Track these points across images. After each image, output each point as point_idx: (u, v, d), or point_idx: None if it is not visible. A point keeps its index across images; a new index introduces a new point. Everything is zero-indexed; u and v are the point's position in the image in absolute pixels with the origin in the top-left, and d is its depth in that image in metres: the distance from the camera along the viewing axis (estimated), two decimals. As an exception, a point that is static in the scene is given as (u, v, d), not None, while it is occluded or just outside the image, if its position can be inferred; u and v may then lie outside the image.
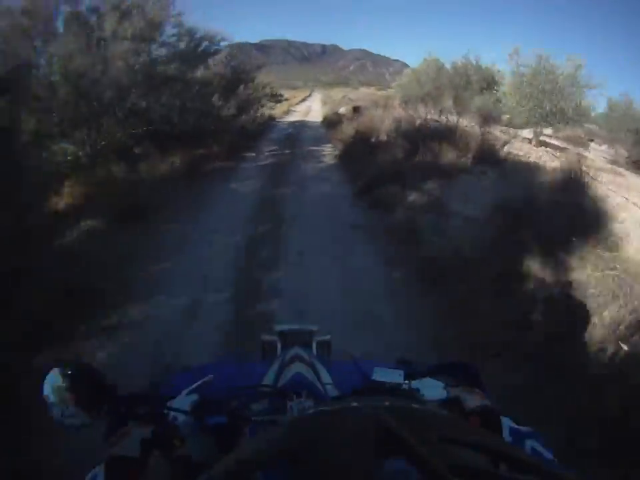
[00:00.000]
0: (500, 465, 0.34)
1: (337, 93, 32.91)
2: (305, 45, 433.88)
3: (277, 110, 18.12)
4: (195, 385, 0.79)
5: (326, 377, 0.94)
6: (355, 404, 0.37)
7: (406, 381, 0.68)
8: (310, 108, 24.81)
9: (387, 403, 0.38)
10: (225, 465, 0.34)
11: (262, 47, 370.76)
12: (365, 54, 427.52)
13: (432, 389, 0.68)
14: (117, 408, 0.70)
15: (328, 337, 1.57)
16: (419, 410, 0.40)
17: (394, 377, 0.69)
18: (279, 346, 1.50)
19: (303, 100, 34.68)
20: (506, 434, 0.59)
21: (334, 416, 0.36)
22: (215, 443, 0.70)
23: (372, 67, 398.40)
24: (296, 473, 0.29)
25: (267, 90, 16.46)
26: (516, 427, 0.62)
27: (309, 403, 0.68)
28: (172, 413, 0.68)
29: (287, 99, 25.27)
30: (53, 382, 0.63)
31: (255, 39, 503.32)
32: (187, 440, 0.67)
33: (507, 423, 0.62)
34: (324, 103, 24.36)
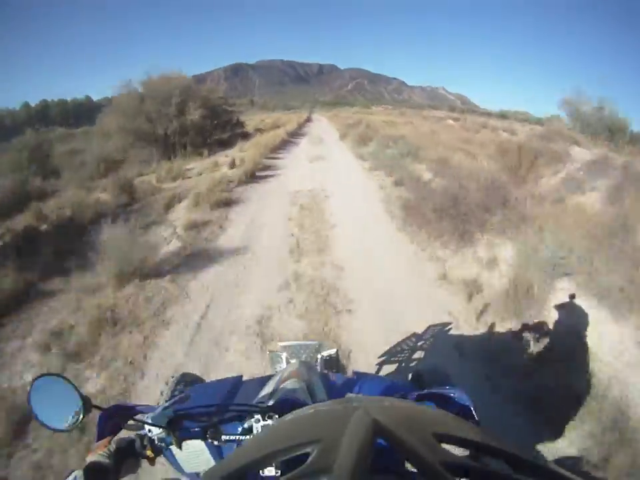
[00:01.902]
0: (497, 463, 0.34)
1: (352, 115, 31.36)
2: (302, 64, 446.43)
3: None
4: (171, 401, 0.85)
5: (320, 393, 0.94)
6: (354, 404, 0.38)
7: None
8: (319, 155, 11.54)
9: (386, 403, 0.40)
10: (226, 462, 0.35)
11: (259, 68, 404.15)
12: (362, 73, 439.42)
13: None
14: (104, 419, 0.80)
15: (334, 350, 1.60)
16: (416, 409, 0.42)
17: None
18: (284, 359, 1.56)
19: (299, 127, 23.18)
20: None
21: (333, 415, 0.38)
22: (186, 456, 0.79)
23: (370, 85, 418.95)
24: (296, 470, 0.29)
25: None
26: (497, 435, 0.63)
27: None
28: (147, 426, 0.75)
29: (260, 130, 18.77)
30: (38, 388, 0.72)
31: (252, 59, 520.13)
32: (161, 452, 0.77)
33: None
34: (343, 135, 15.52)
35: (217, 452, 0.84)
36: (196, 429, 0.79)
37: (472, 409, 0.79)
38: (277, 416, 0.74)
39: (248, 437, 0.76)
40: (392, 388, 1.00)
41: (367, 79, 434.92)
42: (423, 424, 0.36)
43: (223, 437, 0.78)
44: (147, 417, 0.77)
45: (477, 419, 0.78)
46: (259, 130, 19.20)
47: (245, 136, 14.94)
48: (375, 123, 19.10)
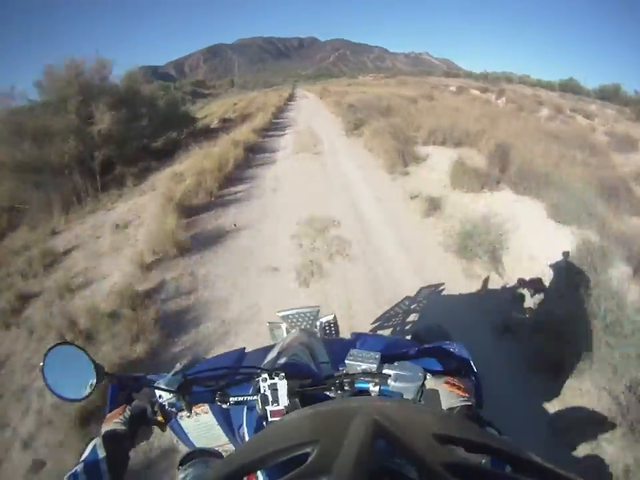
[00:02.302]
0: (497, 463, 0.34)
1: (346, 88, 25.04)
2: (282, 40, 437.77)
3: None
4: (180, 367, 0.86)
5: (322, 356, 0.99)
6: (354, 404, 0.39)
7: (381, 365, 0.73)
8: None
9: (386, 403, 0.41)
10: (227, 462, 0.35)
11: (238, 47, 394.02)
12: (344, 43, 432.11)
13: (406, 376, 0.70)
14: (116, 388, 0.83)
15: (332, 316, 1.64)
16: (416, 409, 0.42)
17: (368, 360, 0.74)
18: (283, 329, 1.60)
19: (280, 111, 16.63)
20: None
21: (333, 415, 0.38)
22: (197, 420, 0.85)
23: (352, 55, 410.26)
24: (296, 470, 0.29)
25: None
26: (497, 435, 0.59)
27: (282, 382, 0.72)
28: (158, 392, 0.77)
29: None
30: (51, 359, 0.73)
31: (231, 40, 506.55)
32: (171, 418, 0.80)
33: (489, 431, 0.60)
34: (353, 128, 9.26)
35: (227, 425, 0.91)
36: (204, 393, 0.80)
37: (471, 362, 0.80)
38: (283, 374, 0.73)
39: (255, 397, 0.76)
40: (393, 345, 1.02)
41: (349, 49, 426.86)
42: (423, 424, 0.36)
43: (231, 399, 0.78)
44: (158, 383, 0.78)
45: (475, 371, 0.79)
46: (224, 122, 13.81)
47: (206, 134, 10.41)
48: (389, 101, 12.54)
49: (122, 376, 0.84)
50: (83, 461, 0.68)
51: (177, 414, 0.82)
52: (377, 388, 0.72)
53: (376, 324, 2.75)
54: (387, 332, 2.68)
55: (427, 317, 2.73)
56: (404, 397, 0.70)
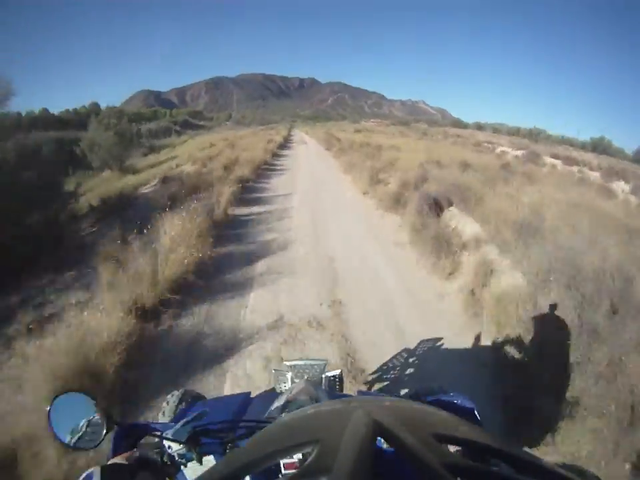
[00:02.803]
0: (496, 463, 0.34)
1: (353, 137, 19.34)
2: (283, 78, 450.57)
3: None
4: (190, 417, 0.84)
5: None
6: (354, 404, 0.38)
7: None
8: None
9: (386, 403, 0.40)
10: (227, 462, 0.35)
11: (239, 81, 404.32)
12: (343, 87, 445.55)
13: None
14: (120, 435, 0.81)
15: (338, 371, 1.65)
16: (416, 409, 0.41)
17: None
18: (289, 378, 1.59)
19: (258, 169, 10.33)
20: None
21: (333, 415, 0.37)
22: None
23: (350, 99, 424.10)
24: (296, 470, 0.29)
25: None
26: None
27: None
28: (166, 442, 0.75)
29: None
30: (58, 406, 0.72)
31: (233, 73, 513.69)
32: (178, 470, 0.77)
33: None
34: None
35: None
36: (215, 445, 0.79)
37: (475, 412, 0.84)
38: None
39: None
40: None
41: (347, 93, 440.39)
42: (423, 424, 0.35)
43: None
44: (166, 434, 0.76)
45: (479, 419, 0.83)
46: (164, 182, 7.83)
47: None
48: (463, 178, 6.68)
49: (129, 424, 0.83)
50: None
51: (184, 465, 0.78)
52: None
53: (375, 375, 2.72)
54: (383, 384, 2.66)
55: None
56: None
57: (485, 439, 0.35)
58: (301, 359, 1.61)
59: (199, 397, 1.61)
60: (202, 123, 67.67)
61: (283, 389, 1.53)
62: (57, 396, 0.72)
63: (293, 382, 1.55)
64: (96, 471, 0.66)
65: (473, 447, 0.34)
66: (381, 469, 0.41)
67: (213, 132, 41.11)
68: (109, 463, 0.70)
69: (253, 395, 1.25)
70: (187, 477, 0.83)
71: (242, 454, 0.36)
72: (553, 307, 2.92)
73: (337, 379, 1.62)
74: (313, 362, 1.58)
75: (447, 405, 0.83)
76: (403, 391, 2.48)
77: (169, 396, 1.58)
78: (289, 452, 0.33)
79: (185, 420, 0.81)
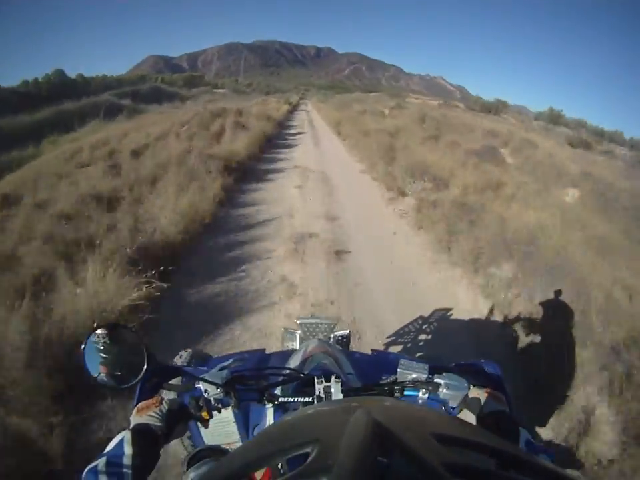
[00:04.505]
0: (497, 463, 0.34)
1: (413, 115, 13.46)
2: (299, 47, 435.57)
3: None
4: (227, 362, 0.83)
5: (347, 367, 0.99)
6: (354, 403, 0.38)
7: (430, 375, 0.74)
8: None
9: (386, 403, 0.41)
10: (227, 462, 0.35)
11: (254, 48, 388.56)
12: (360, 58, 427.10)
13: (455, 385, 0.72)
14: (150, 377, 0.75)
15: (347, 331, 1.68)
16: (416, 409, 0.42)
17: (419, 370, 0.75)
18: (298, 337, 1.63)
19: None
20: (522, 445, 0.62)
21: (333, 415, 0.38)
22: (242, 418, 0.81)
23: (367, 71, 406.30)
24: (296, 470, 0.29)
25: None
26: (532, 440, 0.64)
27: (337, 386, 0.72)
28: (203, 386, 0.72)
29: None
30: (93, 342, 0.68)
31: (248, 39, 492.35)
32: (215, 414, 0.74)
33: (524, 434, 0.64)
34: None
35: (243, 423, 0.91)
36: (250, 391, 0.77)
37: (502, 381, 0.82)
38: (338, 378, 0.74)
39: (310, 398, 0.75)
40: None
41: (365, 64, 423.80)
42: (423, 424, 0.36)
43: (280, 399, 0.77)
44: (204, 376, 0.74)
45: (506, 390, 0.79)
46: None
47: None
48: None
49: (164, 367, 0.78)
50: (106, 454, 0.59)
51: (220, 410, 0.76)
52: (425, 395, 0.74)
53: (390, 339, 2.78)
54: (398, 348, 2.75)
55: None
56: (450, 404, 0.73)
57: (485, 438, 0.35)
58: (311, 316, 1.65)
59: (207, 357, 1.57)
60: (195, 90, 44.87)
61: (292, 347, 1.54)
62: (90, 332, 0.67)
63: (302, 341, 1.56)
64: (127, 435, 0.62)
65: (473, 446, 0.34)
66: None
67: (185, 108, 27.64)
68: (139, 422, 0.66)
69: (269, 352, 1.24)
70: (192, 432, 0.89)
71: (242, 454, 0.37)
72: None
73: (345, 339, 1.65)
74: (322, 321, 1.59)
75: (475, 372, 0.84)
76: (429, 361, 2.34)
77: (177, 356, 1.53)
78: (289, 452, 0.33)
79: (220, 365, 0.80)
